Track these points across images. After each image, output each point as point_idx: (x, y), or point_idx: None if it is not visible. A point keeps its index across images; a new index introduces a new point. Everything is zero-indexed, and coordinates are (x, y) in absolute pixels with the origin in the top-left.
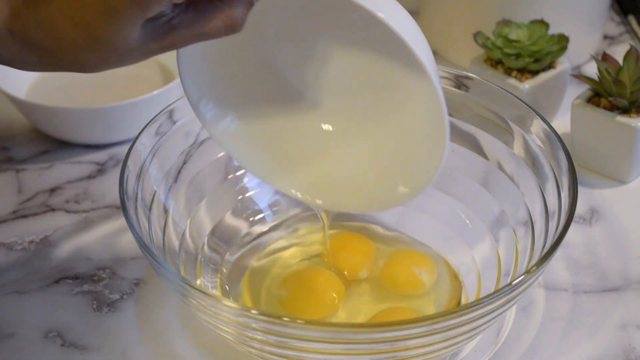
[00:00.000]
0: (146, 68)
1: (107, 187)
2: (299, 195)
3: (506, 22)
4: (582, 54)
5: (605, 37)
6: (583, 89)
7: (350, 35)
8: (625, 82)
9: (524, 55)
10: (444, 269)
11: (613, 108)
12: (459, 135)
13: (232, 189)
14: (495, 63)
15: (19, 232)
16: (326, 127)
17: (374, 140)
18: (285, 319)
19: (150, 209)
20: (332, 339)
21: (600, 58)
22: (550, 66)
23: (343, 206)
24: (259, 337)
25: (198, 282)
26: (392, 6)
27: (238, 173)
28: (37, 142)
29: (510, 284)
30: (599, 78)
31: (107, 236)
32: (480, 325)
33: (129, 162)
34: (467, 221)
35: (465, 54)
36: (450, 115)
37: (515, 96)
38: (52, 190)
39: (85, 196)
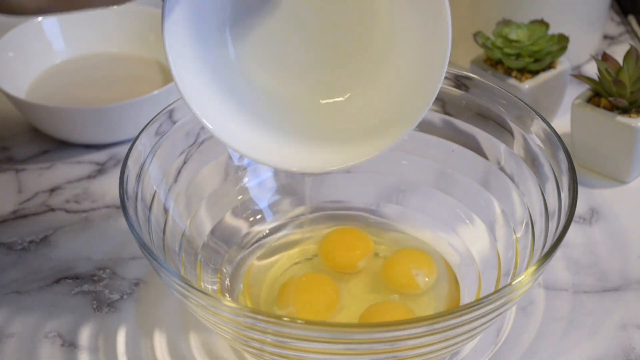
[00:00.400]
0: (146, 68)
1: (107, 187)
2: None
3: (506, 22)
4: (582, 54)
5: (605, 37)
6: (583, 89)
7: None
8: (625, 82)
9: (524, 55)
10: (443, 269)
11: (613, 108)
12: (459, 135)
13: (232, 189)
14: (495, 63)
15: (19, 232)
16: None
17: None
18: (285, 319)
19: (150, 209)
20: (331, 339)
21: (600, 58)
22: (550, 66)
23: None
24: (258, 337)
25: (198, 282)
26: None
27: (238, 173)
28: (37, 142)
29: (510, 284)
30: (599, 78)
31: (107, 236)
32: (480, 326)
33: (129, 162)
34: (467, 221)
35: (465, 54)
36: (450, 115)
37: (515, 96)
38: (52, 190)
39: (85, 196)
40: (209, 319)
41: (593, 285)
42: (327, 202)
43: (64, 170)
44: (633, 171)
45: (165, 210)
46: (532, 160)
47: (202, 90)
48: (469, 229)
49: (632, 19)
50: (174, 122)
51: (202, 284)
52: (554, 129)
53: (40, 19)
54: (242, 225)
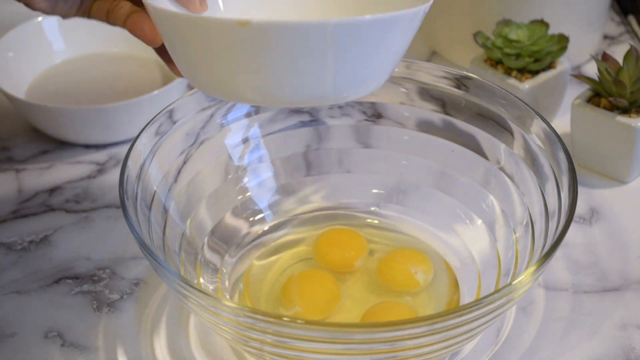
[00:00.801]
0: (146, 68)
1: (107, 187)
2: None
3: (506, 22)
4: (582, 54)
5: (605, 37)
6: (583, 89)
7: None
8: (625, 82)
9: (524, 55)
10: (443, 269)
11: (613, 108)
12: (459, 135)
13: (232, 189)
14: (495, 63)
15: (19, 232)
16: None
17: None
18: (285, 319)
19: (150, 209)
20: (331, 339)
21: (600, 58)
22: (550, 66)
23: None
24: (258, 337)
25: (198, 282)
26: None
27: (238, 173)
28: (37, 142)
29: (510, 284)
30: (599, 78)
31: (107, 236)
32: (480, 326)
33: (129, 162)
34: (467, 221)
35: (465, 54)
36: (450, 115)
37: (515, 96)
38: (52, 190)
39: (85, 196)
40: (209, 319)
41: (593, 285)
42: (327, 202)
43: (64, 170)
44: (633, 171)
45: (165, 210)
46: (532, 160)
47: None
48: (469, 229)
49: (632, 19)
50: (174, 122)
51: (202, 284)
52: (554, 129)
53: (40, 19)
54: (242, 225)
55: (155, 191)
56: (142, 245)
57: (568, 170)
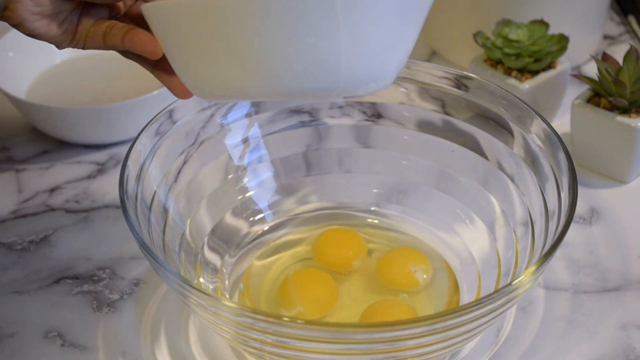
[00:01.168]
0: None
1: (107, 187)
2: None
3: (506, 22)
4: (582, 54)
5: (605, 37)
6: (583, 89)
7: None
8: (625, 82)
9: (524, 55)
10: (443, 269)
11: (613, 108)
12: (459, 135)
13: (232, 189)
14: (495, 63)
15: (19, 232)
16: None
17: None
18: (285, 319)
19: (150, 209)
20: (331, 339)
21: (600, 58)
22: (550, 66)
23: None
24: (258, 337)
25: (198, 282)
26: None
27: (238, 173)
28: (37, 142)
29: (510, 284)
30: (599, 78)
31: (107, 236)
32: (480, 326)
33: (129, 162)
34: (467, 221)
35: (465, 54)
36: (450, 115)
37: (515, 96)
38: (52, 190)
39: (85, 196)
40: (209, 319)
41: (593, 285)
42: (327, 202)
43: (64, 170)
44: (633, 171)
45: (165, 210)
46: (532, 160)
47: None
48: (469, 229)
49: (632, 19)
50: (174, 122)
51: (202, 284)
52: (554, 129)
53: None
54: (242, 225)
55: (155, 191)
56: (142, 245)
57: (568, 170)
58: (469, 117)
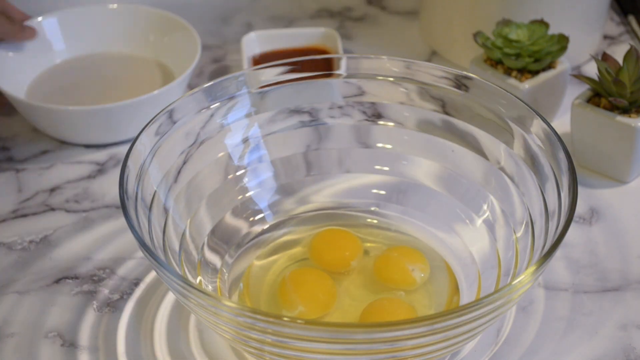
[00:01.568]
0: (146, 68)
1: (107, 187)
2: None
3: (506, 22)
4: (582, 54)
5: (605, 37)
6: (583, 89)
7: None
8: (625, 82)
9: (524, 55)
10: (442, 269)
11: (613, 108)
12: (459, 135)
13: (232, 189)
14: (495, 63)
15: (19, 231)
16: None
17: None
18: (285, 319)
19: (150, 209)
20: (331, 339)
21: (600, 58)
22: (550, 66)
23: None
24: (258, 337)
25: (198, 282)
26: None
27: (238, 173)
28: (37, 142)
29: (510, 284)
30: (599, 78)
31: (107, 236)
32: (480, 326)
33: (129, 162)
34: (467, 221)
35: (465, 54)
36: (450, 115)
37: (515, 96)
38: (52, 190)
39: (85, 196)
40: (209, 319)
41: (593, 285)
42: (327, 202)
43: (64, 170)
44: (633, 171)
45: (165, 210)
46: (532, 160)
47: None
48: (469, 229)
49: (632, 19)
50: (174, 122)
51: (202, 284)
52: (554, 129)
53: (40, 18)
54: (242, 225)
55: (155, 191)
56: (142, 245)
57: (568, 170)
58: (469, 117)
